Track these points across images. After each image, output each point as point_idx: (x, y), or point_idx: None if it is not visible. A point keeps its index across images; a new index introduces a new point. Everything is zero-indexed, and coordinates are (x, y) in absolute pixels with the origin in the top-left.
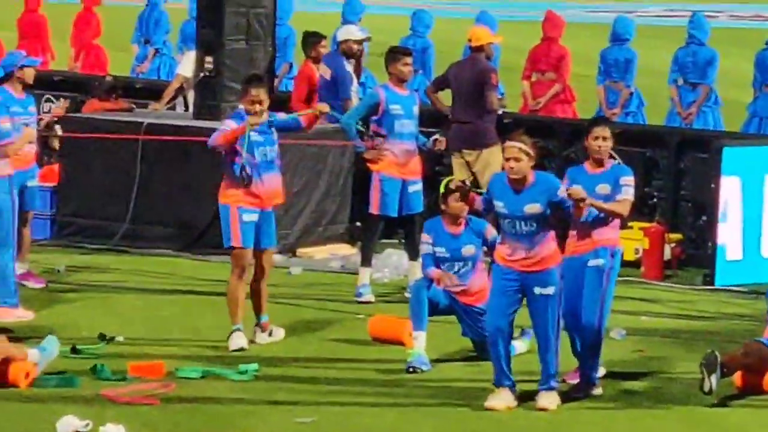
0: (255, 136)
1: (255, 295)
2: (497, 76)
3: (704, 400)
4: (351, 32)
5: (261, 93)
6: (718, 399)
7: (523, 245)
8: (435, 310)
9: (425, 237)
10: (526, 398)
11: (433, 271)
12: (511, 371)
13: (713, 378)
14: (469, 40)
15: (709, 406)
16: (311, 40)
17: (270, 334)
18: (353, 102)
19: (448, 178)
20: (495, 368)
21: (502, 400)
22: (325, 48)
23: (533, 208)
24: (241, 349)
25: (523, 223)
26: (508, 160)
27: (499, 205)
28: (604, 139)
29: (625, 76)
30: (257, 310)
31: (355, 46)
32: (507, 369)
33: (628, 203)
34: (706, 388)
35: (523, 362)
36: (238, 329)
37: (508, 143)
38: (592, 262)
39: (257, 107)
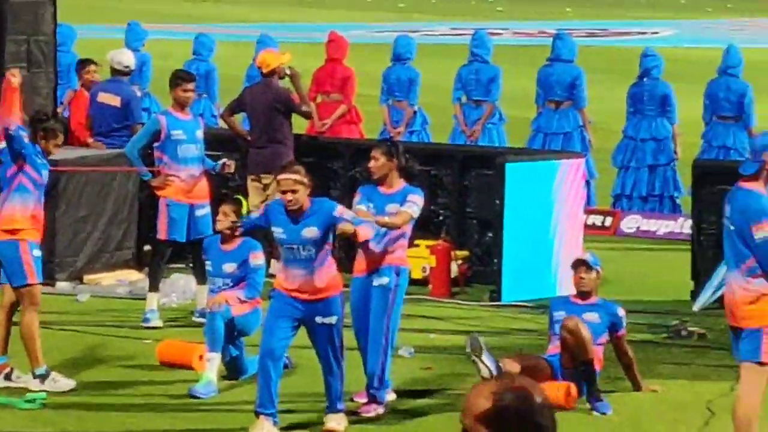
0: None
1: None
2: (294, 93)
3: None
4: (121, 56)
5: None
6: None
7: (302, 272)
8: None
9: None
10: (315, 421)
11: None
12: (277, 398)
13: (486, 359)
14: (260, 68)
15: None
16: (79, 67)
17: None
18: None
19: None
20: (261, 392)
21: (264, 430)
22: (93, 74)
23: (311, 231)
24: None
25: (301, 248)
26: (284, 193)
27: (278, 231)
28: (375, 159)
29: (409, 96)
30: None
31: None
32: (274, 395)
33: (406, 215)
34: (485, 374)
35: (308, 384)
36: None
37: (282, 176)
38: (377, 281)
39: None
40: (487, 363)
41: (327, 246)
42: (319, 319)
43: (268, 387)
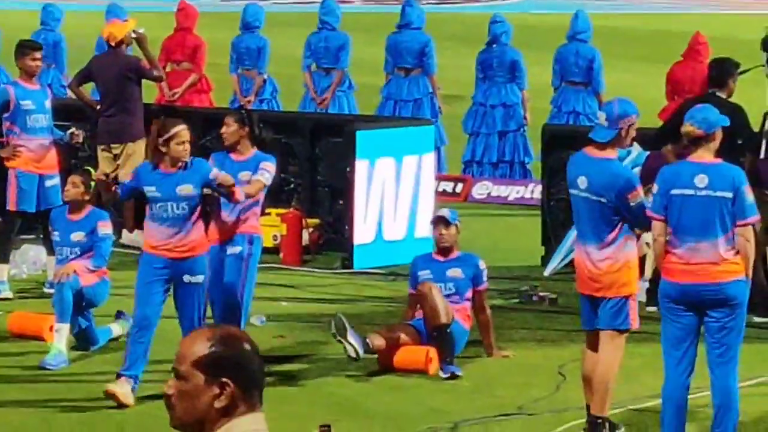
0: None
1: None
2: (144, 61)
3: (346, 383)
4: None
5: None
6: (363, 377)
7: (173, 230)
8: None
9: None
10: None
11: None
12: (144, 366)
13: (351, 339)
14: (107, 41)
15: (354, 382)
16: None
17: None
18: None
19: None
20: (131, 357)
21: (123, 390)
22: None
23: (186, 189)
24: None
25: (175, 206)
26: (182, 143)
27: (151, 190)
28: (227, 126)
29: (258, 64)
30: None
31: None
32: (143, 362)
33: (259, 184)
34: (352, 353)
35: (164, 353)
36: None
37: (178, 128)
38: (230, 250)
39: None
40: (353, 342)
41: (198, 208)
42: (186, 278)
43: (138, 353)
